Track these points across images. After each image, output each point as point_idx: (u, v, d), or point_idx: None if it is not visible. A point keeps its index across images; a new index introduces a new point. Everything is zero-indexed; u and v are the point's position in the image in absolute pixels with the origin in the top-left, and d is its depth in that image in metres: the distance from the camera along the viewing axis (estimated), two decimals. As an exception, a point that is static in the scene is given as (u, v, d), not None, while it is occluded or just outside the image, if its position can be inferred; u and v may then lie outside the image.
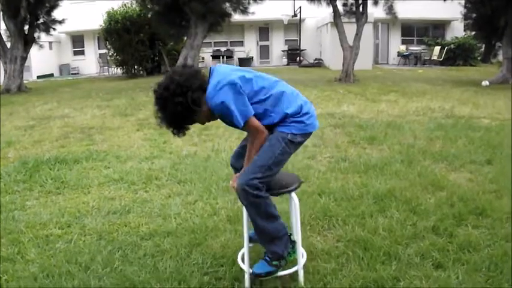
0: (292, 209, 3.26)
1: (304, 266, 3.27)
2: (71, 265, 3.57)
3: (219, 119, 2.98)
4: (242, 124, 2.85)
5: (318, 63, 26.66)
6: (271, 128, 3.01)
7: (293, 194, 3.17)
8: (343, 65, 16.72)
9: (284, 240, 3.15)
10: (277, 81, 3.08)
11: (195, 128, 3.08)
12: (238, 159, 3.30)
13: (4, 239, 4.14)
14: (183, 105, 2.79)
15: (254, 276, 3.14)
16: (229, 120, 2.88)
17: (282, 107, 2.96)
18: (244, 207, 3.07)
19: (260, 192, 2.93)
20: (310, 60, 27.54)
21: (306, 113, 3.00)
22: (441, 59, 25.70)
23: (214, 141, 7.44)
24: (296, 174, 3.41)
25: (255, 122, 2.90)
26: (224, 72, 2.92)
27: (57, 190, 5.46)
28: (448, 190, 4.89)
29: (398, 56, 28.27)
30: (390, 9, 17.85)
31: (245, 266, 3.19)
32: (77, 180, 5.69)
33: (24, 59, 18.18)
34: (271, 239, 3.11)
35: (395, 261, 3.45)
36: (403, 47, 28.66)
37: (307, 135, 3.08)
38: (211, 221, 4.27)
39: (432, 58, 26.53)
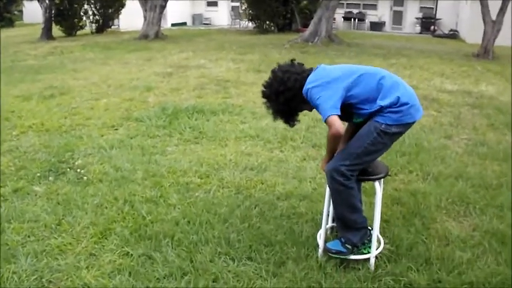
0: (375, 199, 3.18)
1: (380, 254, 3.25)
2: (210, 215, 3.79)
3: None
4: (324, 120, 2.92)
5: (453, 35, 25.23)
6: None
7: (377, 184, 3.15)
8: (482, 40, 15.67)
9: (361, 232, 3.18)
10: (377, 74, 3.05)
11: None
12: None
13: (148, 181, 4.48)
14: (285, 97, 3.06)
15: (326, 250, 3.21)
16: (318, 111, 3.00)
17: (376, 99, 2.95)
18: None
19: (346, 180, 2.99)
20: (444, 31, 26.14)
21: (405, 104, 2.94)
22: None
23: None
24: (387, 165, 3.34)
25: (333, 121, 2.86)
26: (322, 71, 3.06)
27: (195, 139, 5.76)
28: None
29: (544, 33, 25.99)
30: (544, -17, 16.35)
31: (321, 242, 3.28)
32: (214, 132, 5.96)
33: (163, 7, 19.05)
34: (348, 227, 3.16)
35: (535, 260, 3.30)
36: (550, 25, 26.26)
37: (404, 125, 3.02)
38: (345, 190, 4.29)
39: None
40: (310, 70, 3.12)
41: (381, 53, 14.81)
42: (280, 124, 6.11)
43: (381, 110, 2.94)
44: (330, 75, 3.00)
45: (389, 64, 12.31)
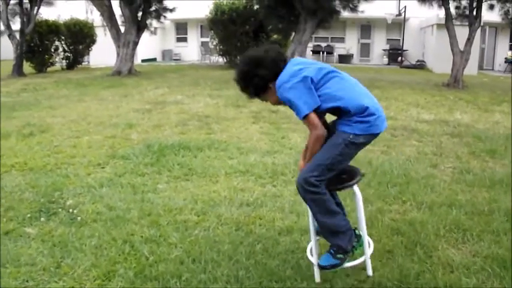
0: (356, 202, 3.26)
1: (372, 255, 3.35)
2: (214, 253, 3.72)
3: None
4: (301, 118, 2.99)
5: (420, 65, 25.96)
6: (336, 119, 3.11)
7: (355, 188, 3.21)
8: (452, 70, 16.17)
9: (348, 234, 3.21)
10: (351, 78, 3.16)
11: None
12: None
13: (144, 220, 4.38)
14: (256, 82, 3.09)
15: (320, 268, 3.24)
16: (293, 110, 3.05)
17: (353, 97, 3.02)
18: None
19: (317, 188, 3.03)
20: (411, 62, 26.86)
21: (372, 114, 3.01)
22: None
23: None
24: (358, 167, 3.39)
25: (312, 119, 2.97)
26: (296, 66, 3.07)
27: (185, 176, 5.69)
28: None
29: (505, 62, 26.92)
30: (506, 15, 17.06)
31: (313, 259, 3.30)
32: (203, 169, 5.90)
33: (136, 43, 19.08)
34: (334, 232, 3.19)
35: (537, 284, 3.34)
36: (510, 53, 27.25)
37: (371, 136, 3.09)
38: (345, 222, 4.30)
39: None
40: (285, 62, 3.14)
41: (354, 85, 15.05)
42: (269, 159, 6.23)
43: (348, 119, 3.00)
44: (301, 72, 3.03)
45: (365, 96, 12.53)
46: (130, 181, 5.49)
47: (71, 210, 4.64)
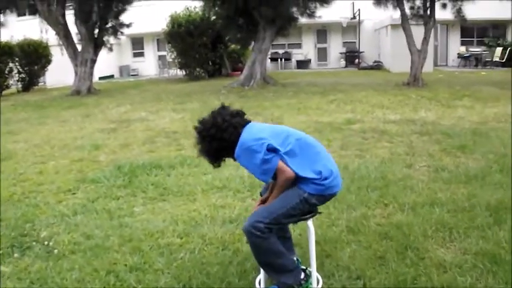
0: (308, 237, 3.25)
1: None
2: (203, 276, 3.57)
3: None
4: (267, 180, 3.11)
5: (378, 66, 26.32)
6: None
7: (309, 223, 3.22)
8: (411, 68, 16.45)
9: (294, 272, 3.20)
10: (299, 140, 3.17)
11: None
12: (266, 190, 3.42)
13: (125, 247, 4.18)
14: (218, 145, 3.16)
15: None
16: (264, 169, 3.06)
17: (300, 169, 3.04)
18: None
19: (263, 234, 3.02)
20: (369, 63, 27.22)
21: (327, 178, 3.06)
22: (503, 60, 24.88)
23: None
24: None
25: (281, 166, 3.00)
26: (251, 135, 3.09)
27: (161, 197, 5.53)
28: None
29: (458, 57, 27.59)
30: (459, 12, 17.47)
31: None
32: (179, 187, 5.75)
33: (94, 61, 18.70)
34: (279, 271, 3.18)
35: (529, 277, 3.32)
36: (462, 49, 27.94)
37: (325, 197, 3.14)
38: (331, 231, 4.24)
39: (494, 59, 25.71)
40: (245, 124, 3.17)
41: (317, 90, 15.15)
42: (245, 171, 6.08)
43: (306, 180, 3.03)
44: (257, 136, 3.06)
45: (329, 101, 12.61)
46: (104, 206, 5.28)
47: (46, 242, 4.38)
